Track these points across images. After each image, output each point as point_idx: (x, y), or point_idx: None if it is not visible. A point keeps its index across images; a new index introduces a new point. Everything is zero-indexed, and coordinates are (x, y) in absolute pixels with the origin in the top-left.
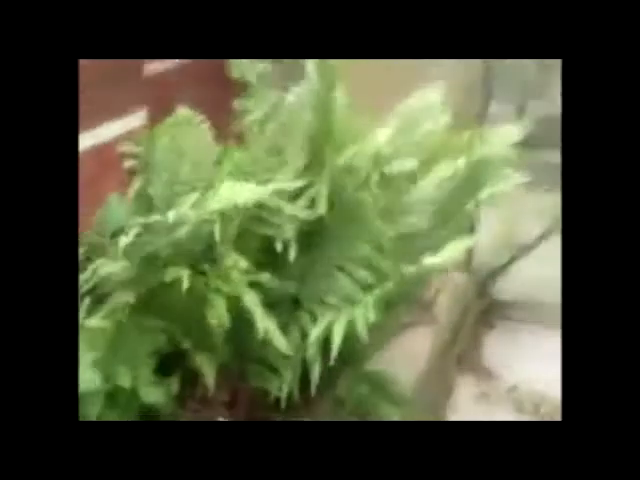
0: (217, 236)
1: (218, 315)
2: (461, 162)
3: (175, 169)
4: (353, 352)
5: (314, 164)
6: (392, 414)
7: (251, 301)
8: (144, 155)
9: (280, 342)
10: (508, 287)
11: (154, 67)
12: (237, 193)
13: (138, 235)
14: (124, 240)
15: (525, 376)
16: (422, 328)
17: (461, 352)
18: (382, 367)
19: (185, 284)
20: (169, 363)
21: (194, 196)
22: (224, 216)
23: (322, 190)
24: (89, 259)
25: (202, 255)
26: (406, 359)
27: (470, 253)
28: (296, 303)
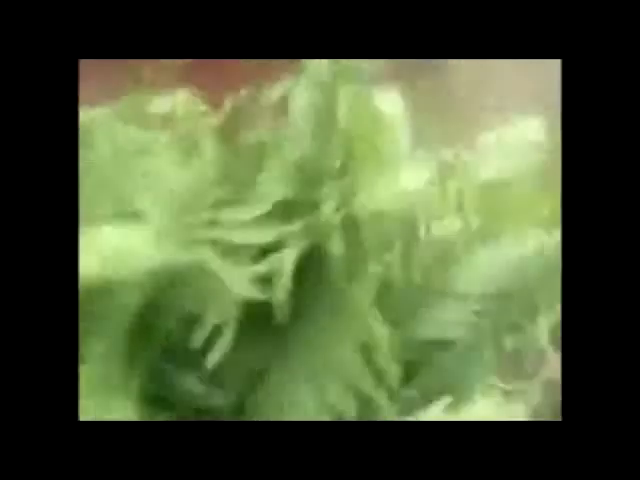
0: None
1: None
2: (553, 234)
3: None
4: None
5: (302, 205)
6: None
7: None
8: None
9: None
10: None
11: None
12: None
13: None
14: None
15: None
16: None
17: None
18: None
19: None
20: None
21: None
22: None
23: (286, 259)
24: None
25: None
26: None
27: None
28: (238, 414)
